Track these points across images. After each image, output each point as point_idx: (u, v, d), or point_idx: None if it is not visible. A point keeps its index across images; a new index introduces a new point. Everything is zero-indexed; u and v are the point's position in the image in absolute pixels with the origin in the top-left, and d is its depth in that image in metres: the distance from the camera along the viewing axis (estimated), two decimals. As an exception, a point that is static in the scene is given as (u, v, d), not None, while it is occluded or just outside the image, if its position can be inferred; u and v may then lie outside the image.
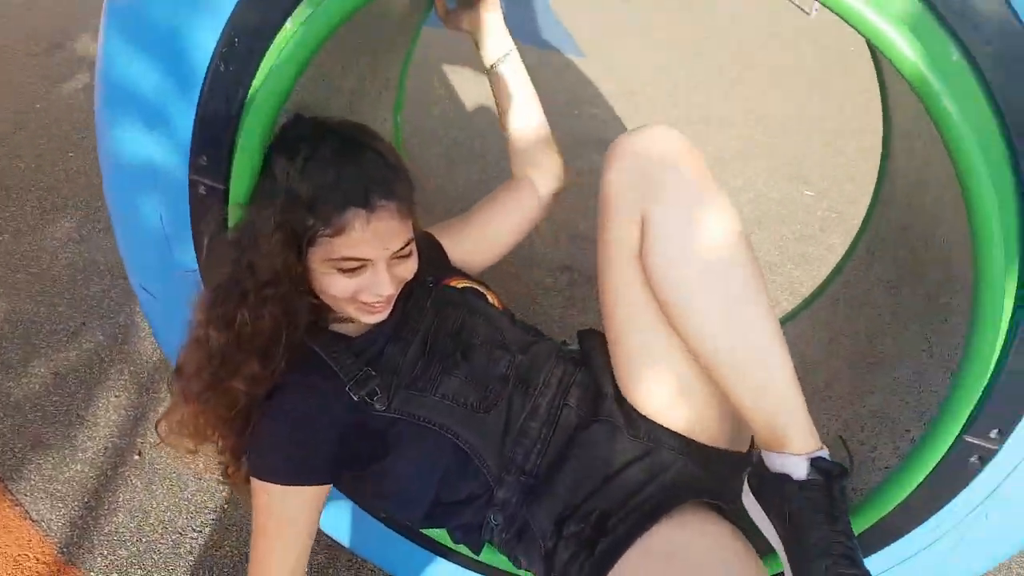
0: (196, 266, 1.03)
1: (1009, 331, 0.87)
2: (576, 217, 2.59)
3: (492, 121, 3.04)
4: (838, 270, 1.58)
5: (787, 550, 0.90)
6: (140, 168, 1.00)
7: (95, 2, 3.05)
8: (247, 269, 0.92)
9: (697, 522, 0.98)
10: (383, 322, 1.02)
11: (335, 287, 0.95)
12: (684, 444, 1.03)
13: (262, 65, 0.88)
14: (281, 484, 0.95)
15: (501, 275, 2.20)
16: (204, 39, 0.89)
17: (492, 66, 1.18)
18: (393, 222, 0.94)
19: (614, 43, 4.25)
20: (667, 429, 1.03)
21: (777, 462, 0.93)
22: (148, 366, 1.62)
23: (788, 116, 3.77)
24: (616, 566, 0.94)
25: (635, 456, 1.02)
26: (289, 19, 0.85)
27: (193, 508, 1.37)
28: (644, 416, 1.04)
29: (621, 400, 1.06)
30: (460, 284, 1.14)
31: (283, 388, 0.97)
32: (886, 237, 1.42)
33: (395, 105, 1.62)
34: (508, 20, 1.18)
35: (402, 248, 0.97)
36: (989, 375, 0.89)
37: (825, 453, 0.92)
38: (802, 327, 1.58)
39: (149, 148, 0.98)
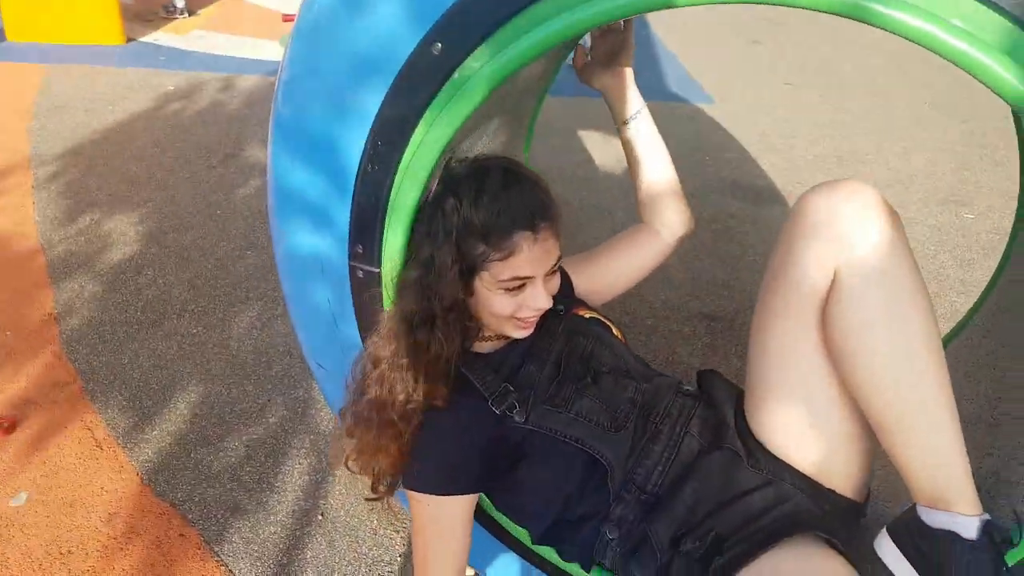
0: (360, 341, 1.16)
1: None
2: (713, 263, 2.57)
3: (619, 181, 3.11)
4: (961, 327, 1.50)
5: None
6: (308, 260, 1.15)
7: (261, 115, 3.46)
8: (434, 298, 1.02)
9: (812, 553, 0.98)
10: (517, 342, 1.11)
11: (498, 306, 1.05)
12: (804, 482, 1.05)
13: (402, 162, 1.00)
14: (435, 495, 1.04)
15: (639, 327, 2.23)
16: (353, 146, 1.03)
17: (624, 123, 1.25)
18: (551, 241, 1.04)
19: (741, 86, 4.22)
20: (789, 466, 1.05)
21: (941, 519, 0.92)
22: (325, 434, 1.79)
23: (935, 141, 3.56)
24: None
25: (755, 485, 1.05)
26: (421, 121, 0.97)
27: (370, 561, 1.49)
28: (768, 450, 1.06)
29: (744, 434, 1.09)
30: (587, 314, 1.22)
31: (432, 406, 1.07)
32: (1011, 306, 1.34)
33: (524, 149, 1.73)
34: (636, 77, 1.25)
35: (555, 264, 1.07)
36: None
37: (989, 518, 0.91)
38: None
39: (315, 242, 1.12)
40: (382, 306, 1.10)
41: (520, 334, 1.09)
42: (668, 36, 5.22)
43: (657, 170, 1.25)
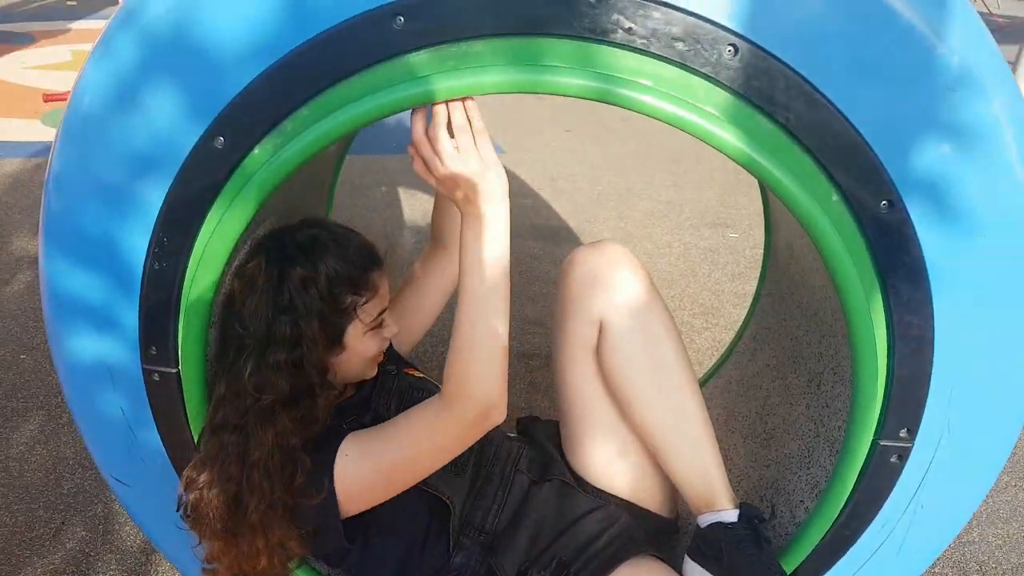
0: (163, 448, 1.10)
1: (889, 343, 0.99)
2: (523, 303, 2.71)
3: (427, 235, 3.18)
4: (729, 353, 1.73)
5: None
6: (96, 368, 1.08)
7: (25, 202, 3.14)
8: (310, 370, 1.03)
9: (650, 571, 1.12)
10: (352, 400, 1.18)
11: (371, 347, 1.12)
12: (624, 504, 1.20)
13: (192, 255, 0.98)
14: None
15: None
16: (135, 243, 0.99)
17: None
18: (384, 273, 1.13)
19: (529, 137, 4.50)
20: (609, 493, 1.20)
21: (710, 518, 1.11)
22: (134, 550, 1.64)
23: (698, 172, 4.02)
24: None
25: (587, 509, 1.17)
26: (210, 212, 0.96)
27: None
28: (587, 480, 1.21)
29: (568, 466, 1.23)
30: (418, 375, 1.29)
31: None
32: (768, 327, 1.57)
33: (326, 209, 1.74)
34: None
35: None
36: (883, 385, 1.01)
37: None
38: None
39: (101, 348, 1.06)
40: (183, 405, 1.06)
41: (375, 371, 1.17)
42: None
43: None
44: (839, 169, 0.91)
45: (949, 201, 0.93)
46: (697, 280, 2.94)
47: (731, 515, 1.10)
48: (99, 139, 0.98)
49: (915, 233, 0.94)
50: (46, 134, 3.99)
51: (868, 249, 0.95)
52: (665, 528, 1.26)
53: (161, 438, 1.09)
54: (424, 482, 1.10)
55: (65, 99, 3.81)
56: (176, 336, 1.02)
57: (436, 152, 0.93)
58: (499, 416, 1.01)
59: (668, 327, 1.16)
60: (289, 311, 1.03)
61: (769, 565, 1.04)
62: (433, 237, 1.39)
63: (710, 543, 1.08)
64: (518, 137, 4.47)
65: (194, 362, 1.03)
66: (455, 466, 1.14)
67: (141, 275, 1.00)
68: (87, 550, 1.63)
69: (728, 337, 2.33)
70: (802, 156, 0.91)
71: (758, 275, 1.74)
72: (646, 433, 1.16)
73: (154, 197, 0.97)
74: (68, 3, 7.15)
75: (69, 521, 1.70)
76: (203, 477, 1.01)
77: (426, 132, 0.94)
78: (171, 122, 0.94)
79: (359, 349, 1.10)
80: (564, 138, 4.53)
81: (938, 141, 0.91)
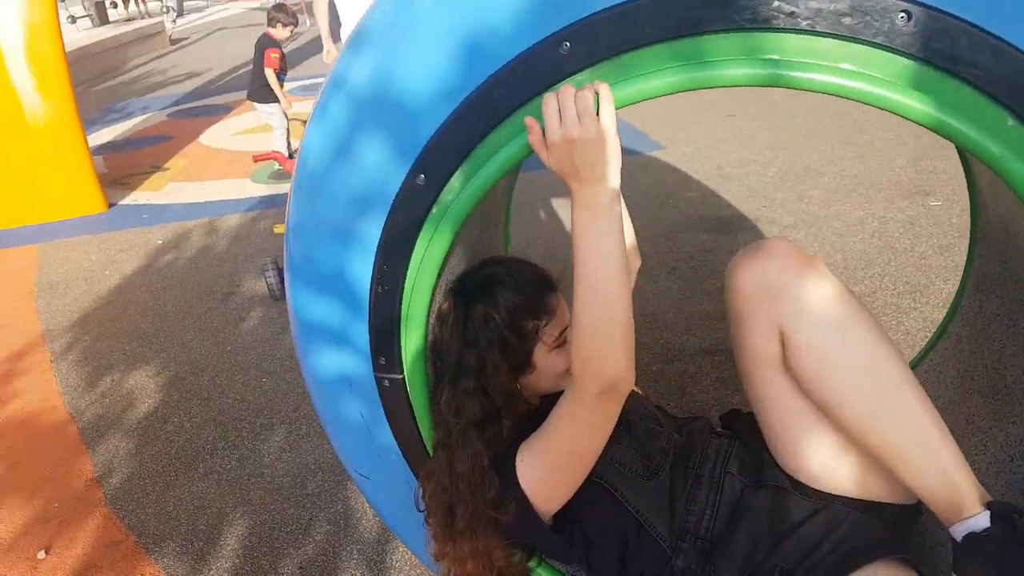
0: (395, 444, 1.26)
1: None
2: (701, 299, 2.68)
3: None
4: (954, 308, 1.62)
5: None
6: (337, 379, 1.26)
7: (248, 250, 3.60)
8: (494, 395, 1.16)
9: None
10: (534, 413, 1.22)
11: (559, 363, 1.20)
12: (853, 501, 1.10)
13: (407, 278, 1.12)
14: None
15: (644, 374, 2.32)
16: (362, 272, 1.16)
17: None
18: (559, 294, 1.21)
19: (687, 128, 4.43)
20: (832, 494, 1.10)
21: (961, 530, 0.99)
22: (372, 540, 1.86)
23: (882, 140, 3.74)
24: None
25: (807, 514, 1.09)
26: (419, 240, 1.10)
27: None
28: (807, 485, 1.11)
29: (783, 469, 1.14)
30: None
31: None
32: (991, 272, 1.46)
33: (504, 245, 1.87)
34: None
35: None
36: None
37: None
38: (933, 367, 1.61)
39: (341, 362, 1.24)
40: (410, 408, 1.21)
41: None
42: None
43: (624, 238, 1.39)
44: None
45: None
46: (898, 256, 2.75)
47: (983, 519, 0.97)
48: (324, 189, 1.16)
49: None
50: (256, 190, 4.55)
51: None
52: (906, 514, 1.13)
53: (394, 435, 1.26)
54: (612, 484, 1.15)
55: (271, 158, 4.32)
56: (400, 347, 1.17)
57: (561, 111, 0.91)
58: (627, 386, 1.02)
59: (860, 319, 1.04)
60: (474, 345, 1.16)
61: None
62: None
63: (972, 556, 0.97)
64: (677, 130, 4.41)
65: (417, 368, 1.18)
66: (647, 471, 1.17)
67: (368, 298, 1.16)
68: (333, 541, 1.87)
69: (941, 315, 2.17)
70: (1000, 112, 0.88)
71: (968, 242, 1.62)
72: (867, 442, 1.04)
73: (373, 231, 1.13)
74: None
75: (316, 517, 1.95)
76: (428, 487, 1.18)
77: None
78: (380, 166, 1.10)
79: (548, 367, 1.20)
80: (728, 124, 4.41)
81: None
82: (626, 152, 4.67)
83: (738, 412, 1.32)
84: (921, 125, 0.90)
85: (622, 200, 1.37)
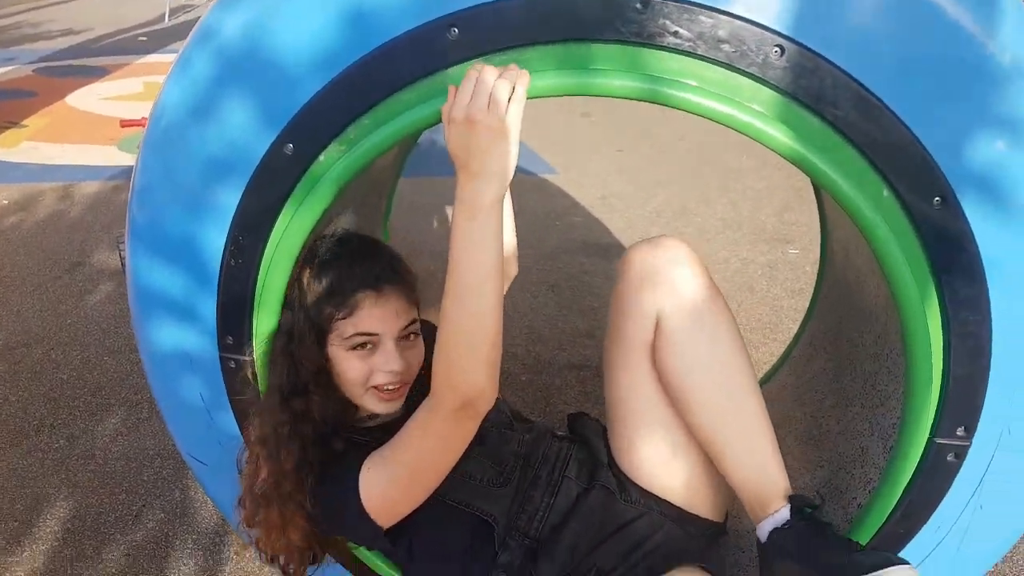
0: (238, 431, 1.18)
1: (945, 341, 0.98)
2: (576, 317, 2.73)
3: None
4: (785, 357, 1.73)
5: None
6: (177, 356, 1.16)
7: (105, 220, 3.33)
8: (301, 364, 1.08)
9: None
10: (397, 418, 1.13)
11: (352, 371, 1.10)
12: (671, 510, 1.16)
13: (265, 253, 1.06)
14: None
15: (513, 383, 2.32)
16: (213, 242, 1.07)
17: None
18: (400, 302, 1.12)
19: (579, 156, 4.55)
20: (658, 496, 1.16)
21: (767, 527, 1.06)
22: (209, 531, 1.74)
23: (755, 190, 3.98)
24: None
25: (629, 519, 1.14)
26: (281, 214, 1.04)
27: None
28: (635, 483, 1.17)
29: (616, 468, 1.19)
30: None
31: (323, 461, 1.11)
32: (826, 330, 1.56)
33: (383, 234, 1.82)
34: None
35: (408, 326, 1.12)
36: (939, 384, 1.00)
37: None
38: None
39: (182, 338, 1.14)
40: (256, 393, 1.13)
41: (382, 407, 1.13)
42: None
43: (506, 220, 1.36)
44: (889, 166, 0.92)
45: (1005, 196, 0.92)
46: (755, 295, 2.91)
47: (784, 513, 1.05)
48: (179, 148, 1.07)
49: (970, 230, 0.93)
50: (122, 159, 4.23)
51: (922, 247, 0.94)
52: (714, 531, 1.22)
53: (236, 421, 1.17)
54: (463, 501, 1.12)
55: (141, 124, 4.06)
56: (250, 327, 1.09)
57: (475, 90, 0.87)
58: (486, 405, 0.97)
59: (729, 325, 1.11)
60: (291, 306, 1.11)
61: (841, 546, 0.98)
62: None
63: (774, 550, 1.03)
64: (570, 158, 4.51)
65: (266, 350, 1.10)
66: (500, 478, 1.16)
67: (219, 271, 1.08)
68: (166, 530, 1.74)
69: (779, 353, 2.31)
70: (852, 153, 0.92)
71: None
72: (702, 432, 1.11)
73: (230, 200, 1.05)
74: (139, 38, 7.57)
75: (149, 505, 1.81)
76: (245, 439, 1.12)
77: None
78: (244, 131, 1.02)
79: (341, 365, 1.11)
80: (617, 158, 4.56)
81: (992, 136, 0.91)
82: (522, 172, 4.70)
83: (584, 415, 1.34)
84: (783, 157, 0.94)
85: (509, 206, 1.37)
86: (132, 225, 1.15)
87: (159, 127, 1.09)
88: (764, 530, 1.06)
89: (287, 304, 1.10)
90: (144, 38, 7.59)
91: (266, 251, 1.06)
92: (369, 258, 1.14)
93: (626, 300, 1.14)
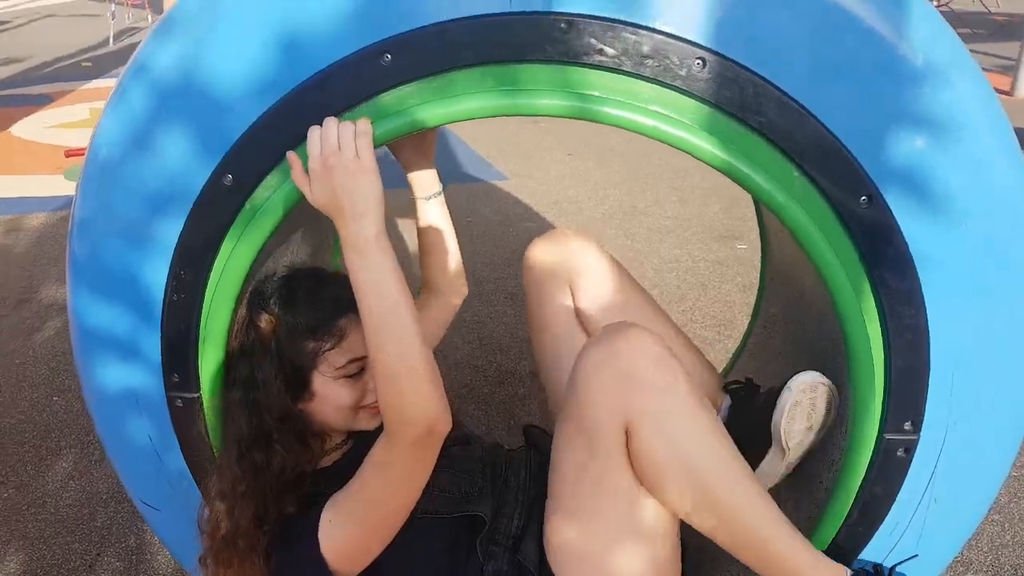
0: (188, 471, 1.16)
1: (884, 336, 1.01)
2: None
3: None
4: (744, 343, 1.75)
5: None
6: (123, 396, 1.14)
7: (53, 253, 3.24)
8: (264, 414, 1.06)
9: None
10: (358, 447, 1.13)
11: (345, 397, 1.10)
12: None
13: (208, 286, 1.05)
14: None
15: (477, 396, 2.33)
16: (155, 277, 1.06)
17: (425, 199, 1.36)
18: None
19: (529, 162, 4.58)
20: None
21: None
22: (167, 577, 1.70)
23: (702, 188, 4.05)
24: None
25: None
26: (223, 246, 1.03)
27: None
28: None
29: None
30: None
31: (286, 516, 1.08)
32: (775, 314, 1.59)
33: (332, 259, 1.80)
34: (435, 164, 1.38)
35: None
36: (882, 379, 1.02)
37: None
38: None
39: (127, 378, 1.12)
40: (206, 430, 1.12)
41: (375, 422, 1.13)
42: (458, 127, 5.54)
43: (448, 243, 1.38)
44: (815, 168, 0.95)
45: (929, 192, 0.95)
46: (708, 293, 2.96)
47: None
48: (117, 182, 1.05)
49: (897, 225, 0.96)
50: (69, 188, 4.13)
51: (853, 245, 0.97)
52: None
53: (186, 462, 1.15)
54: (446, 512, 1.11)
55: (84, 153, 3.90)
56: (196, 363, 1.08)
57: (322, 140, 0.93)
58: (444, 427, 0.97)
59: (704, 409, 1.00)
60: (249, 354, 1.09)
61: None
62: (430, 285, 1.42)
63: None
64: (520, 164, 4.54)
65: (214, 388, 1.09)
66: (473, 488, 1.16)
67: (162, 307, 1.07)
68: (123, 580, 1.69)
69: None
70: (778, 157, 0.95)
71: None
72: (705, 530, 1.03)
73: (170, 233, 1.04)
74: (83, 64, 7.40)
75: (104, 553, 1.76)
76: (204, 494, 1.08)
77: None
78: (183, 163, 1.01)
79: (330, 396, 1.10)
80: (567, 162, 4.60)
81: (911, 135, 0.94)
82: (474, 179, 4.70)
83: (537, 427, 1.37)
84: (712, 167, 0.97)
85: (449, 225, 1.38)
86: (72, 260, 1.13)
87: (97, 160, 1.07)
88: None
89: (243, 353, 1.08)
90: (88, 63, 7.42)
91: (208, 284, 1.05)
92: (329, 284, 1.14)
93: (583, 390, 1.02)
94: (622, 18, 0.91)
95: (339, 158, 0.92)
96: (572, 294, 1.31)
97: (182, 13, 1.04)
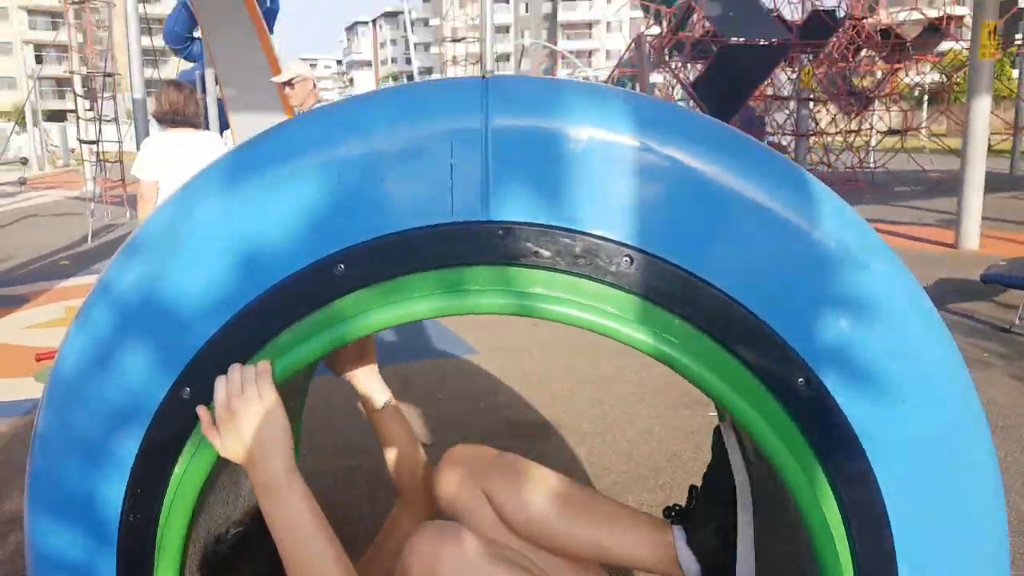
0: None
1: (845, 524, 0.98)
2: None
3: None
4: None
5: None
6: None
7: (19, 460, 3.11)
8: None
9: None
10: None
11: None
12: None
13: (164, 503, 1.04)
14: None
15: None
16: (112, 495, 1.05)
17: (373, 410, 1.42)
18: None
19: (498, 335, 4.67)
20: None
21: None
22: None
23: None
24: None
25: None
26: (178, 463, 1.04)
27: None
28: None
29: None
30: None
31: None
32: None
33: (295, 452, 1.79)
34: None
35: None
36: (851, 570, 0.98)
37: None
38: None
39: (80, 603, 1.08)
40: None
41: None
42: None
43: (406, 447, 1.42)
44: (748, 352, 0.99)
45: (863, 372, 0.98)
46: (685, 466, 2.93)
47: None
48: (78, 399, 1.08)
49: (838, 407, 0.97)
50: (37, 391, 4.09)
51: (798, 428, 0.98)
52: None
53: None
54: None
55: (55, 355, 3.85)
56: (153, 579, 1.05)
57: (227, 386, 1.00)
58: None
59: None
60: None
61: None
62: (401, 491, 1.47)
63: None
64: (488, 336, 4.63)
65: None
66: None
67: (118, 527, 1.05)
68: None
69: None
70: (711, 344, 1.00)
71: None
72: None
73: (128, 450, 1.05)
74: (62, 263, 7.61)
75: None
76: None
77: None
78: (142, 377, 1.05)
79: None
80: (532, 332, 4.70)
81: (835, 317, 0.98)
82: (445, 355, 4.69)
83: None
84: (648, 355, 1.02)
85: (406, 427, 1.42)
86: (31, 475, 1.13)
87: (60, 379, 1.11)
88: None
89: None
90: (66, 262, 7.62)
91: (165, 501, 1.04)
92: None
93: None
94: (554, 224, 1.00)
95: (242, 400, 0.98)
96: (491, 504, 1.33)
97: (145, 237, 1.12)
